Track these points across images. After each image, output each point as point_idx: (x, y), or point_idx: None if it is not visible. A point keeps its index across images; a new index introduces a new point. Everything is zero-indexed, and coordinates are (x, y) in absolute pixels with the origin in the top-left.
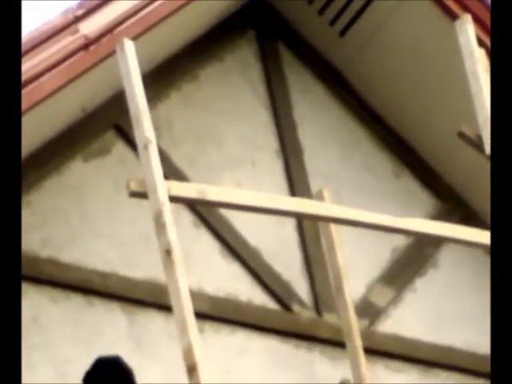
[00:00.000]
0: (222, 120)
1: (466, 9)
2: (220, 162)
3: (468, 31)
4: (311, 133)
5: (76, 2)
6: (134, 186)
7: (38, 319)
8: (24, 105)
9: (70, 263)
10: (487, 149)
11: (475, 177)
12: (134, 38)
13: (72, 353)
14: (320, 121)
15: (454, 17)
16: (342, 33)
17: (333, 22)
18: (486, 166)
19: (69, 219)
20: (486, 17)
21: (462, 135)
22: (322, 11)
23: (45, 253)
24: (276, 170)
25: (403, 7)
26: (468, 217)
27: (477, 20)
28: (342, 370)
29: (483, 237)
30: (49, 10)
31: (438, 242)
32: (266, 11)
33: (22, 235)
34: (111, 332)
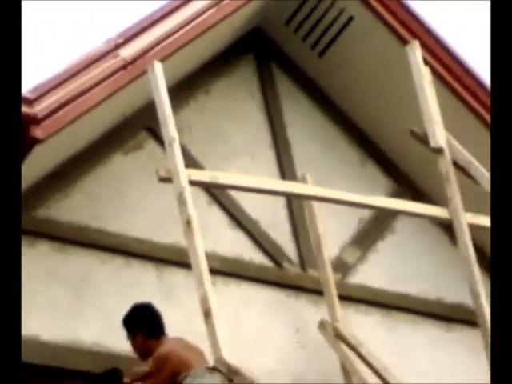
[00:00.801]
0: (228, 123)
1: (415, 36)
2: (227, 155)
3: (416, 53)
4: (297, 132)
5: (117, 32)
6: (162, 173)
7: (88, 277)
8: (77, 113)
9: (114, 232)
10: (431, 143)
11: (423, 165)
12: (162, 60)
13: (116, 304)
14: (304, 123)
15: (405, 42)
16: (321, 55)
17: (313, 47)
18: (431, 156)
19: (112, 199)
20: (430, 42)
21: (412, 133)
22: (304, 38)
23: (94, 224)
24: (270, 161)
25: (367, 35)
26: (417, 196)
27: (423, 44)
28: (322, 313)
29: (428, 210)
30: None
31: (394, 214)
32: (262, 39)
33: (77, 212)
34: (145, 287)
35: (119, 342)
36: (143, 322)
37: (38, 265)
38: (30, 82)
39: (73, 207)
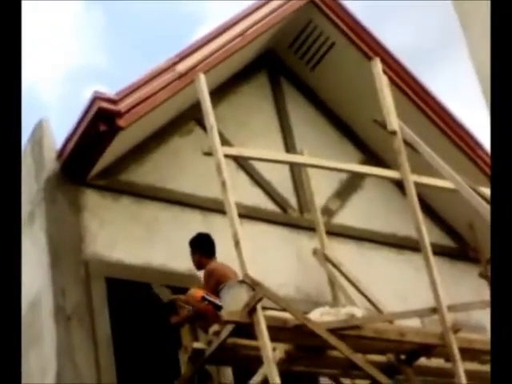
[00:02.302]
0: (249, 115)
1: (376, 53)
2: (249, 136)
3: (378, 66)
4: (297, 121)
5: (175, 53)
6: (205, 150)
7: (156, 221)
8: (147, 109)
9: (173, 189)
10: (388, 127)
11: (383, 142)
12: (205, 72)
13: (175, 239)
14: (302, 115)
15: (370, 59)
16: (313, 68)
17: (308, 63)
18: (389, 136)
19: (171, 168)
20: (387, 58)
21: (375, 120)
22: (302, 57)
23: (159, 184)
24: (278, 140)
25: (345, 54)
26: (379, 163)
27: (382, 60)
28: (315, 244)
29: (386, 173)
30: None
31: (363, 176)
32: (273, 57)
33: (148, 176)
34: (194, 227)
35: (179, 264)
36: (202, 243)
37: (122, 212)
38: (115, 87)
39: (144, 173)
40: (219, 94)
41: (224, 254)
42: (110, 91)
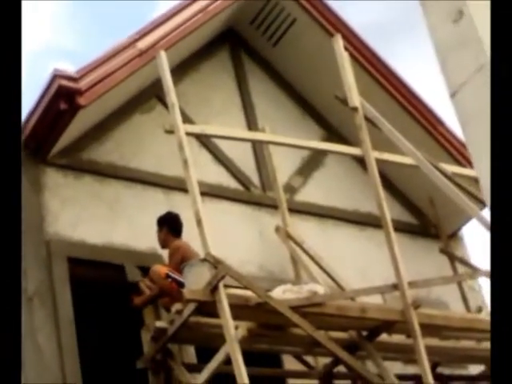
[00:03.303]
0: (212, 92)
1: (338, 30)
2: (211, 114)
3: (339, 43)
4: (259, 98)
5: (135, 30)
6: (167, 127)
7: (118, 199)
8: (108, 87)
9: (135, 168)
10: (350, 104)
11: (344, 118)
12: (166, 49)
13: (137, 218)
14: (264, 92)
15: (331, 35)
16: (275, 44)
17: (269, 39)
18: (350, 113)
19: (133, 145)
20: (348, 34)
21: (336, 97)
22: (263, 33)
23: (121, 162)
24: (240, 118)
25: (306, 31)
26: (340, 140)
27: (343, 36)
28: (277, 221)
29: (348, 150)
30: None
31: (324, 153)
32: (234, 33)
33: (109, 154)
34: (156, 205)
35: (141, 243)
36: (170, 221)
37: (84, 191)
38: (75, 65)
39: (106, 151)
40: (180, 70)
41: (187, 233)
42: (73, 68)
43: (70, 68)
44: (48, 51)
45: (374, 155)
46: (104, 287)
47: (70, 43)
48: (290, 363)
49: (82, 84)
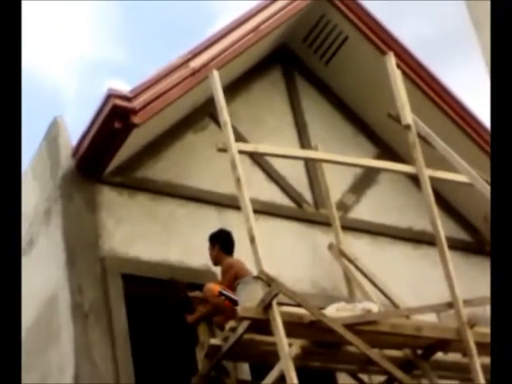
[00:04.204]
0: (264, 111)
1: (390, 47)
2: (264, 132)
3: (391, 60)
4: (311, 117)
5: (188, 49)
6: (219, 146)
7: (172, 217)
8: (161, 106)
9: (189, 186)
10: (403, 121)
11: (397, 136)
12: (218, 69)
13: (191, 235)
14: (316, 110)
15: (384, 53)
16: (327, 63)
17: (321, 57)
18: (403, 131)
19: (187, 164)
20: (401, 52)
21: (389, 115)
22: (315, 51)
23: (175, 181)
24: (293, 136)
25: (358, 49)
26: (393, 158)
27: (396, 54)
28: (330, 239)
29: (401, 167)
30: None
31: (377, 170)
32: (286, 52)
33: (163, 172)
34: (210, 223)
35: (194, 260)
36: (222, 238)
37: (138, 209)
38: (131, 80)
39: (160, 169)
40: (233, 89)
41: (240, 251)
42: (126, 85)
43: (123, 85)
44: (95, 66)
45: (427, 173)
46: (158, 304)
47: (119, 57)
48: (344, 381)
49: (136, 103)
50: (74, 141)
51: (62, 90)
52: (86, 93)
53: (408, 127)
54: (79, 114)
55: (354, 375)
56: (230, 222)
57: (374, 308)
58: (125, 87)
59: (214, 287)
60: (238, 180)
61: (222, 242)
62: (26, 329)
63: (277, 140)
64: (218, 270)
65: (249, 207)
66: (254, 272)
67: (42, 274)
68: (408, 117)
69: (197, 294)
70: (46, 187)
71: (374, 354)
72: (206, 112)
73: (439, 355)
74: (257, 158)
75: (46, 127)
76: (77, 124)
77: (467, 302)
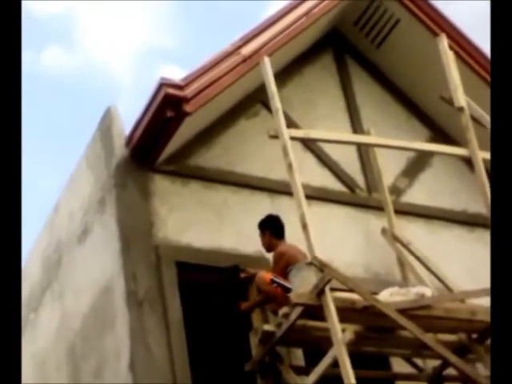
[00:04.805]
0: (316, 96)
1: (442, 29)
2: (316, 117)
3: (444, 42)
4: (363, 100)
5: (239, 37)
6: (271, 133)
7: (225, 204)
8: (213, 94)
9: (241, 173)
10: (455, 104)
11: (450, 118)
12: (270, 55)
13: (244, 221)
14: (368, 94)
15: (436, 35)
16: (378, 46)
17: (373, 40)
18: (456, 113)
19: (239, 151)
20: (454, 34)
21: (442, 98)
22: (367, 35)
23: (228, 168)
24: (345, 121)
25: (410, 31)
26: (447, 141)
27: (448, 36)
28: (383, 223)
29: (454, 150)
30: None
31: (431, 154)
32: (338, 36)
33: (216, 160)
34: (262, 209)
35: (248, 247)
36: (271, 224)
37: (191, 197)
38: (184, 66)
39: (212, 157)
40: (284, 75)
41: (292, 236)
42: (182, 71)
43: (178, 72)
44: (151, 51)
45: (481, 155)
46: (212, 291)
47: (172, 43)
48: (398, 365)
49: (188, 91)
50: (128, 129)
51: (118, 78)
52: (141, 80)
53: (461, 109)
54: (135, 101)
55: (408, 360)
56: (283, 208)
57: (428, 292)
58: (180, 74)
59: (265, 275)
60: (289, 166)
61: (272, 228)
62: (82, 316)
63: (329, 124)
64: (271, 256)
65: (301, 193)
66: (308, 255)
67: (98, 262)
68: (461, 99)
69: (250, 271)
70: (100, 176)
71: (427, 338)
72: (257, 98)
73: None
74: (308, 144)
75: (100, 116)
76: (133, 111)
77: None
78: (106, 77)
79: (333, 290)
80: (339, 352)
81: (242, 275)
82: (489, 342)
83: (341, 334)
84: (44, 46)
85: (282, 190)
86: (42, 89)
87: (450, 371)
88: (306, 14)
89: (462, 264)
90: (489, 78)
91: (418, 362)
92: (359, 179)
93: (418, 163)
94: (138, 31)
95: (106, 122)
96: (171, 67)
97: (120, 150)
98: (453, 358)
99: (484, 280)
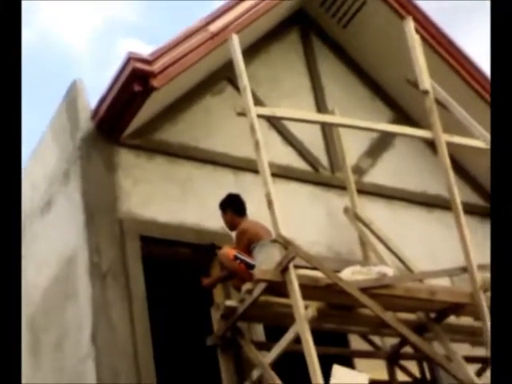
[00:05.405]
0: (282, 74)
1: (408, 12)
2: (281, 96)
3: (410, 25)
4: (328, 80)
5: (208, 13)
6: (238, 110)
7: (190, 179)
8: (180, 70)
9: (206, 149)
10: (421, 87)
11: (414, 101)
12: (237, 32)
13: (209, 197)
14: (333, 73)
15: (402, 18)
16: (344, 26)
17: (339, 21)
18: (420, 95)
19: (204, 127)
20: (420, 17)
21: (408, 80)
22: (333, 15)
23: (192, 143)
24: (310, 100)
25: (376, 13)
26: (410, 122)
27: (414, 19)
28: (345, 202)
29: (417, 132)
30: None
31: (394, 135)
32: (304, 15)
33: (181, 135)
34: (226, 186)
35: (212, 223)
36: (233, 203)
37: (155, 171)
38: (148, 49)
39: (177, 132)
40: (251, 53)
41: (256, 213)
42: (141, 44)
43: (138, 45)
44: (110, 24)
45: (444, 138)
46: (175, 265)
47: (132, 16)
48: (356, 343)
49: (156, 66)
50: (93, 104)
51: (77, 50)
52: (100, 53)
53: (426, 92)
54: (95, 73)
55: (366, 337)
56: (247, 184)
57: (390, 272)
58: (140, 47)
59: (229, 251)
60: (256, 144)
61: (233, 206)
62: (44, 288)
63: (294, 103)
64: (234, 234)
65: (267, 171)
66: (272, 232)
67: (61, 234)
68: (426, 82)
69: (214, 277)
70: (65, 148)
71: (388, 316)
72: (223, 75)
73: (452, 319)
74: (274, 122)
75: (64, 90)
76: (93, 81)
77: (481, 267)
78: (65, 49)
79: (296, 267)
80: (301, 329)
81: (206, 281)
82: (446, 321)
83: (303, 310)
84: None
85: (245, 166)
86: None
87: (407, 349)
88: None
89: (421, 244)
90: (453, 62)
91: (376, 340)
92: (323, 158)
93: (382, 144)
94: (96, 3)
95: (72, 95)
96: (131, 40)
97: (85, 123)
98: (412, 337)
99: (443, 261)
